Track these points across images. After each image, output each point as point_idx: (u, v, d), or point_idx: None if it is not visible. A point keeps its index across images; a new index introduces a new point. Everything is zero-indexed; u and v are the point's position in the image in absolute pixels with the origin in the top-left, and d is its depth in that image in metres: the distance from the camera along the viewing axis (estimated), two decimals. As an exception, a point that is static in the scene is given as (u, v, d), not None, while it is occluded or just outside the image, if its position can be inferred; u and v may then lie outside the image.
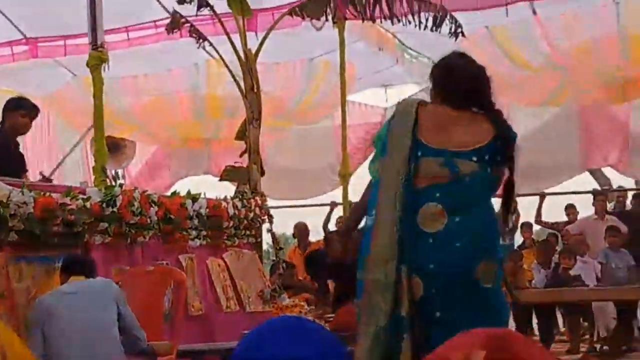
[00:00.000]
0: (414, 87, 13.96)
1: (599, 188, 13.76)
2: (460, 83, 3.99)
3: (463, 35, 8.82)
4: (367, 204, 4.02)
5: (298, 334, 1.73)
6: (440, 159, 3.87)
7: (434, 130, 3.93)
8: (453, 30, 8.68)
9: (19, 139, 7.06)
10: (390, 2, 8.49)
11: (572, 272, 9.88)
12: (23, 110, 6.77)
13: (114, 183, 6.40)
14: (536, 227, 13.18)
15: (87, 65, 6.58)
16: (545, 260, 10.46)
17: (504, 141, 3.92)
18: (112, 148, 9.67)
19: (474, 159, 3.87)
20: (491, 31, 10.51)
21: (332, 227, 11.53)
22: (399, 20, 8.62)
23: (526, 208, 12.79)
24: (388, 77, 13.25)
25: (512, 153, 3.95)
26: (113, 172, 7.00)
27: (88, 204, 5.76)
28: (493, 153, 3.89)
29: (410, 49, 11.81)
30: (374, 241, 3.83)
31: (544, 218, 12.67)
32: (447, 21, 8.60)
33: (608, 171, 14.67)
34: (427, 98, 4.16)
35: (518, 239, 12.39)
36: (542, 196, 12.61)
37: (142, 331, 4.92)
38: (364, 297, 3.79)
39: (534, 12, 10.15)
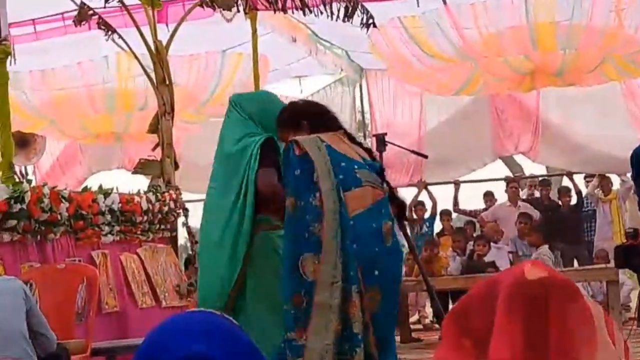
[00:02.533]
0: (327, 78, 14.03)
1: (511, 175, 14.03)
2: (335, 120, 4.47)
3: (374, 25, 8.86)
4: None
5: (203, 331, 1.68)
6: (368, 171, 4.23)
7: (345, 151, 4.26)
8: (365, 20, 8.70)
9: None
10: (301, -7, 8.48)
11: (486, 259, 10.05)
12: None
13: (22, 179, 6.26)
14: (455, 214, 13.38)
15: (-10, 59, 6.40)
16: (461, 247, 10.61)
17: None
18: (21, 143, 9.49)
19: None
20: (402, 22, 10.57)
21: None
22: (310, 11, 8.60)
23: (443, 196, 12.98)
24: (302, 68, 13.26)
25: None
26: (22, 168, 6.85)
27: (-5, 201, 5.63)
28: None
29: (324, 40, 11.82)
30: (321, 265, 4.03)
31: (461, 206, 12.87)
32: (358, 12, 8.61)
33: (520, 158, 14.98)
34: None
35: (438, 226, 12.58)
36: (457, 184, 12.81)
37: (51, 332, 4.79)
38: (312, 317, 4.03)
39: (444, 3, 10.25)
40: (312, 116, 4.42)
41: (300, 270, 4.03)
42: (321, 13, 8.62)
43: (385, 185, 4.32)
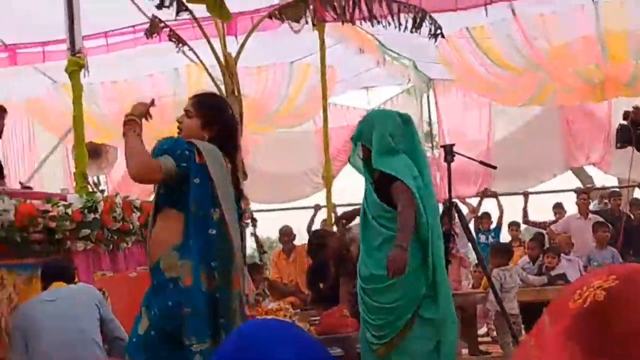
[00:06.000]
0: (395, 88, 14.01)
1: (582, 187, 13.82)
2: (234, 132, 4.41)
3: (442, 36, 8.82)
4: None
5: (280, 338, 1.69)
6: None
7: None
8: (433, 31, 8.67)
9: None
10: (369, 4, 8.48)
11: (556, 271, 9.91)
12: (4, 114, 6.52)
13: (95, 189, 6.37)
14: (523, 226, 13.24)
15: (66, 71, 6.56)
16: (535, 255, 10.46)
17: None
18: (93, 154, 9.65)
19: None
20: (471, 32, 10.53)
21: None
22: (378, 22, 8.61)
23: (511, 207, 12.85)
24: (369, 79, 13.27)
25: None
26: (95, 178, 6.97)
27: (69, 211, 5.74)
28: None
29: (391, 50, 11.82)
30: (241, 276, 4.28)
31: (530, 217, 12.72)
32: (426, 22, 8.58)
33: (591, 170, 14.76)
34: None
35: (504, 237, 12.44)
36: (526, 195, 12.66)
37: (126, 334, 4.89)
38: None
39: (513, 13, 10.17)
40: (225, 133, 4.33)
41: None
42: (389, 24, 8.62)
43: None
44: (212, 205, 4.10)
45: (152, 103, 4.41)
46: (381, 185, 4.88)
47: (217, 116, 4.32)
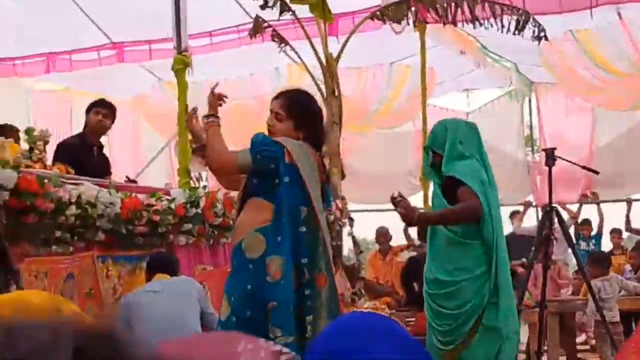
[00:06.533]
0: (496, 91, 13.87)
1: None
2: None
3: (546, 38, 8.70)
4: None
5: (378, 333, 1.71)
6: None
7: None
8: (536, 33, 8.56)
9: (104, 141, 7.10)
10: (471, 6, 8.43)
11: (655, 279, 9.69)
12: (100, 110, 6.65)
13: (197, 185, 6.50)
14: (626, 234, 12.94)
15: (172, 69, 6.71)
16: (636, 264, 10.24)
17: None
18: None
19: None
20: (575, 35, 10.36)
21: (413, 231, 11.44)
22: (480, 24, 8.55)
23: (612, 213, 12.57)
24: (470, 81, 13.18)
25: None
26: (197, 174, 7.09)
27: (172, 205, 5.88)
28: None
29: (492, 52, 11.71)
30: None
31: (633, 225, 12.43)
32: (529, 24, 8.49)
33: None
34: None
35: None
36: (629, 202, 12.37)
37: None
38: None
39: (619, 16, 9.97)
40: (317, 130, 4.39)
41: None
42: (491, 26, 8.55)
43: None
44: (302, 203, 4.18)
45: (215, 87, 4.66)
46: (449, 189, 4.91)
47: (309, 116, 4.37)
